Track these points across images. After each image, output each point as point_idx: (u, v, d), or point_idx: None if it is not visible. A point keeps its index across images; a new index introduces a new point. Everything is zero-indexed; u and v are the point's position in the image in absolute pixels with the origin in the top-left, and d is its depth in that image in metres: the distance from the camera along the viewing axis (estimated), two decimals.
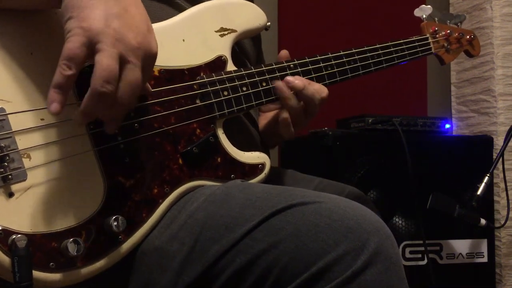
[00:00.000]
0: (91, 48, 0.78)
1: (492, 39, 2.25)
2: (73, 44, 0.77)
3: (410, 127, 2.00)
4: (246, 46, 1.22)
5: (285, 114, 1.13)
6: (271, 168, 1.11)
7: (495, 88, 2.24)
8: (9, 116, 0.81)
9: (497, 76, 2.24)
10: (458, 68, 2.49)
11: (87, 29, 0.77)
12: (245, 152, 1.06)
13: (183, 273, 0.88)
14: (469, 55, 1.55)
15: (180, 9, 1.08)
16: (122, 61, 0.79)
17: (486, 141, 2.07)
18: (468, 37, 1.50)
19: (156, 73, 0.96)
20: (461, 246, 1.97)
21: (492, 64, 2.25)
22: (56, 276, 0.81)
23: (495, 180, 2.06)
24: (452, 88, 2.53)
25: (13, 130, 0.80)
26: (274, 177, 1.26)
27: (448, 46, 1.46)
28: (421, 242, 1.84)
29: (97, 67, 0.77)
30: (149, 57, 0.83)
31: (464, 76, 2.44)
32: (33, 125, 0.83)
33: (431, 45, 1.42)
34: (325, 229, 0.82)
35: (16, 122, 0.81)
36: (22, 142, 0.81)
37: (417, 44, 1.39)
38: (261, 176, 1.07)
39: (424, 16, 1.46)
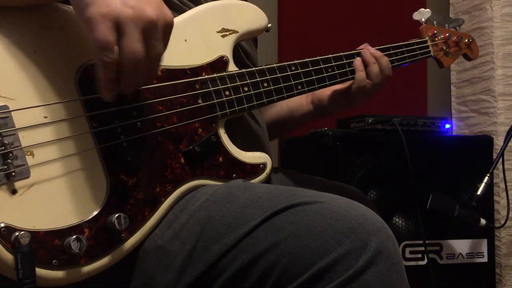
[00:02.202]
0: (117, 30, 0.79)
1: (492, 39, 2.25)
2: (102, 32, 0.78)
3: (410, 127, 1.99)
4: (248, 48, 1.23)
5: (364, 82, 1.28)
6: (272, 168, 1.12)
7: (495, 88, 2.24)
8: (12, 113, 0.81)
9: (497, 76, 2.24)
10: (458, 68, 2.50)
11: (107, 14, 0.78)
12: (247, 152, 1.07)
13: (185, 272, 0.88)
14: (468, 58, 1.57)
15: (180, 11, 1.08)
16: (146, 37, 0.81)
17: (486, 141, 2.07)
18: (466, 40, 1.52)
19: (159, 72, 0.97)
20: (461, 246, 1.97)
21: (492, 64, 2.25)
22: (59, 274, 0.81)
23: (495, 180, 2.06)
24: (452, 88, 2.54)
25: (17, 127, 0.81)
26: (274, 177, 1.27)
27: (447, 50, 1.48)
28: (421, 242, 1.84)
29: (124, 52, 0.80)
30: (168, 26, 0.84)
31: (464, 76, 2.44)
32: (36, 123, 0.83)
33: (430, 48, 1.43)
34: (327, 229, 0.82)
35: (20, 120, 0.81)
36: (25, 139, 0.81)
37: (416, 47, 1.40)
38: (263, 175, 1.07)
39: (422, 20, 1.47)
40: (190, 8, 1.09)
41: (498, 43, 2.24)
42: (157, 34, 0.82)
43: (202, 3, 1.09)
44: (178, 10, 1.09)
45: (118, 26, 0.79)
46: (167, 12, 0.84)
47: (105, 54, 0.79)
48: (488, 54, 2.27)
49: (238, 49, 1.17)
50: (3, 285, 0.82)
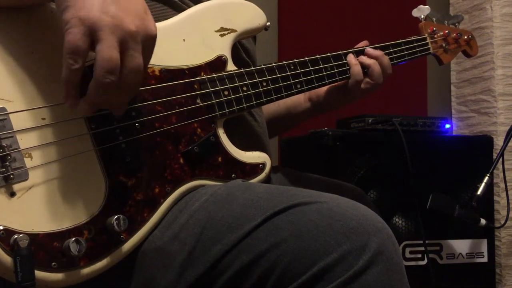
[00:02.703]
0: (91, 37, 0.77)
1: (492, 39, 2.25)
2: (74, 36, 0.76)
3: (410, 127, 1.99)
4: (247, 45, 1.22)
5: (360, 76, 1.26)
6: (272, 167, 1.11)
7: (495, 88, 2.24)
8: (10, 115, 0.81)
9: (497, 76, 2.24)
10: (458, 68, 2.49)
11: (84, 19, 0.76)
12: (246, 152, 1.06)
13: (185, 272, 0.88)
14: (467, 55, 1.56)
15: (179, 10, 1.08)
16: (123, 48, 0.79)
17: (486, 141, 2.07)
18: (466, 37, 1.51)
19: (157, 72, 0.96)
20: (461, 246, 1.96)
21: (492, 64, 2.25)
22: (58, 276, 0.81)
23: (495, 180, 2.06)
24: (452, 88, 2.53)
25: (15, 129, 0.80)
26: (274, 177, 1.27)
27: (446, 46, 1.47)
28: (421, 242, 1.84)
29: (98, 58, 0.77)
30: (149, 39, 0.82)
31: (464, 76, 2.44)
32: (34, 125, 0.83)
33: (430, 45, 1.43)
34: (327, 229, 0.82)
35: (18, 122, 0.81)
36: (23, 141, 0.81)
37: (415, 44, 1.40)
38: (262, 175, 1.07)
39: (422, 17, 1.46)
40: (190, 7, 1.08)
41: (498, 43, 2.24)
42: (136, 46, 0.80)
43: (202, 1, 1.09)
44: (178, 9, 1.09)
45: (94, 33, 0.77)
46: (149, 24, 0.82)
47: (71, 57, 0.77)
48: (488, 54, 2.27)
49: (237, 46, 1.16)
50: (2, 286, 0.82)
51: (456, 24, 1.52)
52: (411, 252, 1.90)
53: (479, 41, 2.26)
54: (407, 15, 1.50)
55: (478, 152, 2.02)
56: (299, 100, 1.40)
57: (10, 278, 0.77)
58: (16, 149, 0.80)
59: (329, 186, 1.33)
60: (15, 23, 0.85)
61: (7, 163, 0.79)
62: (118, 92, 0.81)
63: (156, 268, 0.91)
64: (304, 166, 1.91)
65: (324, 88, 1.34)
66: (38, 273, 0.78)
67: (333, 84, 1.32)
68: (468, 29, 2.29)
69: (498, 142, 2.14)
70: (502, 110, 2.23)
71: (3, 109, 0.80)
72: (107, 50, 0.77)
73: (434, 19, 1.48)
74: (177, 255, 0.89)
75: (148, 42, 0.82)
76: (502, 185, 2.10)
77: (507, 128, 1.82)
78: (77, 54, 0.77)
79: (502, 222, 1.94)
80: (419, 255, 1.91)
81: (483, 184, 1.73)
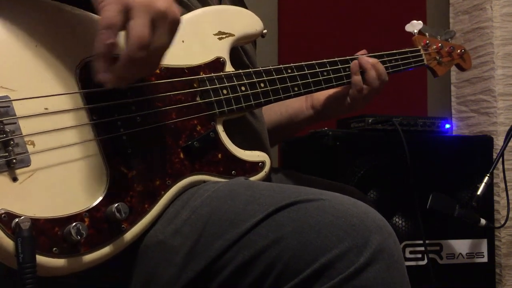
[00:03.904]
0: (125, 14, 0.80)
1: (492, 39, 2.25)
2: (110, 13, 0.79)
3: (410, 127, 1.99)
4: (249, 51, 1.24)
5: (360, 85, 1.29)
6: (272, 168, 1.12)
7: (495, 88, 2.24)
8: (13, 103, 0.82)
9: (497, 76, 2.24)
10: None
11: None
12: (246, 151, 1.07)
13: (186, 267, 0.89)
14: (461, 68, 1.60)
15: (188, 9, 1.10)
16: (153, 26, 0.82)
17: (486, 141, 2.07)
18: (459, 51, 1.55)
19: (157, 70, 0.97)
20: (461, 246, 1.96)
21: (492, 64, 2.25)
22: (59, 262, 0.81)
23: (495, 180, 2.06)
24: (452, 88, 2.54)
25: (18, 116, 0.81)
26: (274, 178, 1.27)
27: (440, 59, 1.51)
28: (421, 242, 1.84)
29: (133, 34, 0.80)
30: (176, 20, 0.85)
31: (464, 76, 2.44)
32: (37, 113, 0.84)
33: (423, 57, 1.46)
34: (328, 225, 0.83)
35: (21, 110, 0.82)
36: (26, 128, 0.82)
37: (409, 55, 1.44)
38: (262, 174, 1.08)
39: (415, 31, 1.51)
40: (197, 8, 1.10)
41: (498, 43, 2.24)
42: (165, 25, 0.83)
43: (209, 4, 1.11)
44: (187, 8, 1.11)
45: (128, 11, 0.80)
46: (176, 8, 0.85)
47: (106, 32, 0.80)
48: (488, 54, 2.27)
49: (239, 50, 1.18)
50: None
51: (449, 39, 1.56)
52: (411, 252, 1.90)
53: (479, 41, 2.28)
54: (407, 19, 1.53)
55: (478, 152, 2.02)
56: (301, 108, 1.41)
57: (11, 263, 0.77)
58: (19, 135, 0.81)
59: (330, 187, 1.33)
60: (21, 16, 0.87)
61: (10, 148, 0.79)
62: (144, 66, 0.85)
63: (158, 262, 0.91)
64: (304, 166, 1.92)
65: (327, 96, 1.37)
66: (40, 258, 0.78)
67: (336, 93, 1.34)
68: (468, 29, 2.30)
69: (498, 142, 2.14)
70: (502, 110, 2.23)
71: (6, 96, 0.81)
72: (141, 27, 0.80)
73: (426, 34, 1.52)
74: (179, 249, 0.90)
75: (175, 24, 0.85)
76: (502, 185, 2.10)
77: (507, 128, 1.83)
78: (111, 29, 0.80)
79: (502, 222, 1.94)
80: (419, 255, 1.91)
81: (483, 184, 1.73)
